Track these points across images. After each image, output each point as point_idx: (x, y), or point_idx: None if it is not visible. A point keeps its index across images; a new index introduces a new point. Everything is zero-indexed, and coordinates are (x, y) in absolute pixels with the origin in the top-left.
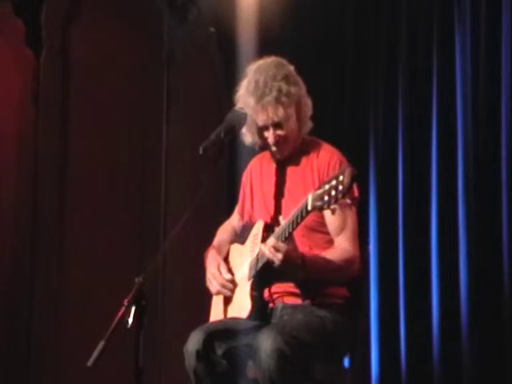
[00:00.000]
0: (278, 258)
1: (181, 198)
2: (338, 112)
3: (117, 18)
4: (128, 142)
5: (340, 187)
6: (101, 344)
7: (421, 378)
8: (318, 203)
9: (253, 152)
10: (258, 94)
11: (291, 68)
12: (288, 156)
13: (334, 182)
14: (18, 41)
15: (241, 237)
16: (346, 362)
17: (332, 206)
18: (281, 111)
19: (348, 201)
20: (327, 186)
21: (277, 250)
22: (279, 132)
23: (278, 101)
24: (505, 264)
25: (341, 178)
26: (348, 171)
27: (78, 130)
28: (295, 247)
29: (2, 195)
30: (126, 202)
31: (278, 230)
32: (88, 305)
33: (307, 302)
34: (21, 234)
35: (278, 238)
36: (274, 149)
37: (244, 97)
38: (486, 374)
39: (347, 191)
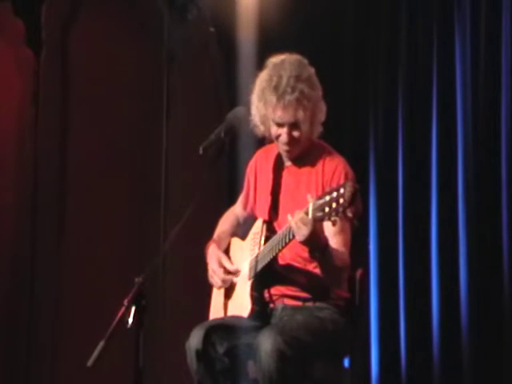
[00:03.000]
0: (303, 232)
1: (181, 197)
2: (338, 112)
3: (117, 18)
4: (128, 141)
5: (341, 200)
6: (101, 344)
7: (421, 378)
8: (319, 214)
9: (253, 152)
10: (280, 92)
11: (312, 70)
12: (295, 157)
13: (335, 194)
14: (17, 41)
15: (243, 227)
16: (346, 362)
17: (333, 218)
18: (300, 113)
19: (350, 214)
20: (328, 198)
21: (304, 223)
22: (294, 133)
23: (299, 102)
24: (505, 264)
25: (342, 191)
26: (349, 185)
27: (78, 130)
28: (322, 228)
29: (2, 195)
30: (126, 202)
31: (279, 234)
32: (88, 305)
33: (307, 303)
34: (21, 235)
35: (275, 249)
36: (284, 147)
37: (264, 89)
38: (485, 373)
39: (348, 205)
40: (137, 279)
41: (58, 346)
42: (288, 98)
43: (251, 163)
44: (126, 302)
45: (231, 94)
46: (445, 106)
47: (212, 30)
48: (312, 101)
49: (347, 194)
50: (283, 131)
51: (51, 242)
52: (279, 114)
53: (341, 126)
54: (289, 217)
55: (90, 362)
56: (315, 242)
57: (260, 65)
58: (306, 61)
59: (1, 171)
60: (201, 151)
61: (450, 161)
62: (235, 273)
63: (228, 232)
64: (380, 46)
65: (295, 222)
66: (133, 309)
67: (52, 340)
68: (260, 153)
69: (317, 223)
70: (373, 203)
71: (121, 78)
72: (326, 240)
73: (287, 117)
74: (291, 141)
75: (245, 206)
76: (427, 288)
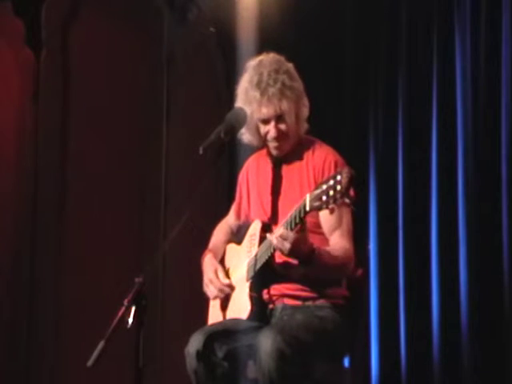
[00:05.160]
0: (285, 247)
1: (181, 197)
2: (338, 112)
3: (117, 18)
4: (128, 141)
5: (338, 187)
6: (101, 344)
7: (421, 378)
8: (316, 203)
9: (253, 152)
10: (262, 87)
11: (290, 65)
12: (285, 155)
13: (331, 182)
14: (17, 41)
15: (237, 235)
16: (346, 362)
17: (330, 206)
18: (284, 104)
19: (347, 200)
20: (325, 186)
21: (284, 238)
22: (281, 126)
23: (282, 93)
24: (505, 264)
25: (338, 177)
26: (346, 171)
27: (78, 129)
28: (306, 237)
29: (2, 195)
30: (125, 202)
31: (276, 229)
32: (88, 305)
33: (307, 302)
34: (21, 234)
35: (268, 250)
36: (273, 144)
37: (247, 90)
38: (486, 374)
39: (346, 191)
40: (137, 279)
41: (58, 346)
42: (271, 90)
43: (242, 172)
44: (126, 302)
45: (231, 93)
46: (445, 105)
47: (212, 30)
48: (295, 91)
49: (344, 181)
50: (270, 126)
51: (51, 242)
52: (264, 109)
53: (341, 126)
54: (268, 235)
55: (89, 362)
56: (299, 253)
57: None
58: (282, 58)
59: (1, 171)
60: (201, 151)
61: (450, 160)
62: (228, 287)
63: (222, 241)
64: (380, 46)
65: (276, 238)
66: (133, 309)
67: (52, 340)
68: (250, 160)
69: (299, 233)
70: (373, 203)
71: (121, 78)
72: (311, 246)
73: (272, 110)
74: (280, 135)
75: (238, 215)
76: (427, 288)
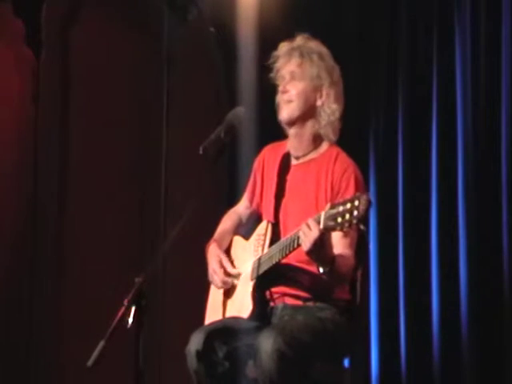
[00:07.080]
0: (312, 236)
1: (181, 197)
2: None
3: (117, 17)
4: (128, 141)
5: (355, 213)
6: (101, 344)
7: (421, 378)
8: (331, 223)
9: (253, 152)
10: (291, 47)
11: (332, 63)
12: (305, 153)
13: (348, 205)
14: (17, 41)
15: (245, 226)
16: (346, 362)
17: (345, 229)
18: (296, 65)
19: (362, 227)
20: (341, 208)
21: (311, 228)
22: (289, 85)
23: (301, 55)
24: (505, 264)
25: (356, 203)
26: (364, 198)
27: (77, 129)
28: (330, 239)
29: (2, 195)
30: (126, 202)
31: (286, 238)
32: (88, 305)
33: (308, 303)
34: (21, 234)
35: (281, 253)
36: (282, 102)
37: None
38: (485, 373)
39: (362, 218)
40: (137, 279)
41: (58, 346)
42: (296, 52)
43: (259, 158)
44: (125, 302)
45: (231, 94)
46: (445, 106)
47: (212, 30)
48: (311, 68)
49: (361, 208)
50: (283, 83)
51: (51, 242)
52: (284, 64)
53: (341, 125)
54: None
55: (89, 362)
56: (323, 253)
57: (260, 65)
58: (332, 61)
59: (0, 171)
60: (201, 151)
61: (450, 161)
62: (236, 276)
63: (229, 231)
64: (380, 47)
65: (302, 228)
66: (133, 309)
67: (52, 340)
68: (268, 149)
69: (325, 236)
70: (373, 203)
71: (121, 78)
72: (333, 253)
73: (287, 65)
74: (285, 92)
75: (251, 201)
76: (427, 288)
